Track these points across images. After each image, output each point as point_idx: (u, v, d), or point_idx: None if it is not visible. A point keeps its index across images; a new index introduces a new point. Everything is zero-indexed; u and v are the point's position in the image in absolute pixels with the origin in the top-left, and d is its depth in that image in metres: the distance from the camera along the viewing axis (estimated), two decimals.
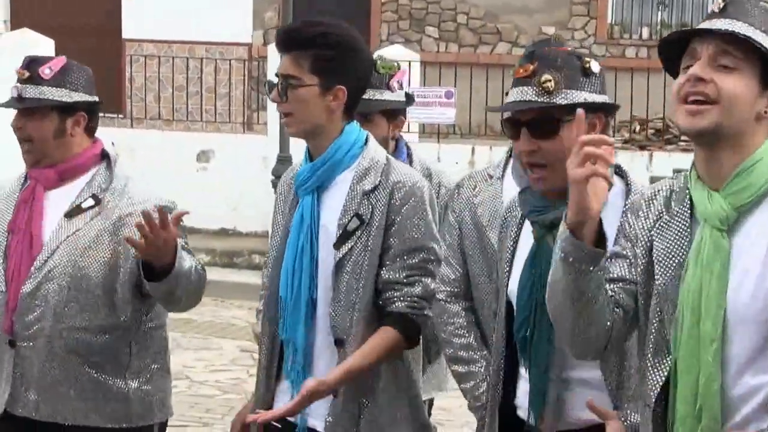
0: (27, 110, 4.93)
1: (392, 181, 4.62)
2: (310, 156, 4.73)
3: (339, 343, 4.60)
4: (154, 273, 4.71)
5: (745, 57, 3.28)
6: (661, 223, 3.46)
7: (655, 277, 3.46)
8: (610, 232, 3.40)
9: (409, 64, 17.57)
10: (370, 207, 4.61)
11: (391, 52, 17.27)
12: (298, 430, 4.62)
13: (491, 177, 5.10)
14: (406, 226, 4.59)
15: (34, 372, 4.91)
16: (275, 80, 4.70)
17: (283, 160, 16.68)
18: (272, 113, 17.98)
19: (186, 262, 4.81)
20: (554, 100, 3.84)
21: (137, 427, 5.06)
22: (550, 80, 3.83)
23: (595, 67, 3.98)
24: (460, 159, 17.67)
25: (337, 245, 4.59)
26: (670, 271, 3.40)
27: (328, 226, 4.62)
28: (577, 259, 3.14)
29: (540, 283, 3.88)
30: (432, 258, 4.73)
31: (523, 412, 4.12)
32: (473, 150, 18.25)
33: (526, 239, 4.10)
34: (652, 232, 3.45)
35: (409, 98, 6.50)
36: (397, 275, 4.62)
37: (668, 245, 3.42)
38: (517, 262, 4.10)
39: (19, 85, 4.95)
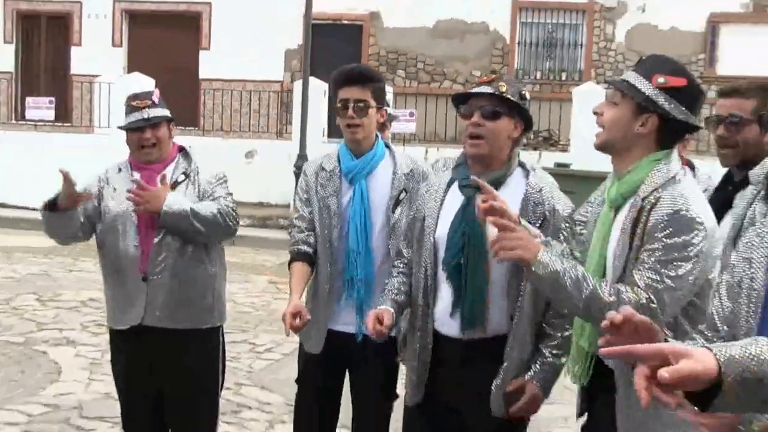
0: (154, 124, 4.93)
1: (415, 166, 4.73)
2: (353, 153, 4.69)
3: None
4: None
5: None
6: (591, 205, 3.73)
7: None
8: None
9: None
10: (409, 182, 4.64)
11: None
12: (358, 335, 4.56)
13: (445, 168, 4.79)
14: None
15: (159, 296, 4.93)
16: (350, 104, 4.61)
17: (302, 156, 17.01)
18: (296, 126, 18.56)
19: (181, 202, 4.84)
20: (507, 95, 3.84)
21: (214, 327, 5.16)
22: (504, 86, 3.85)
23: (527, 95, 3.97)
24: (418, 157, 15.35)
25: (394, 208, 4.62)
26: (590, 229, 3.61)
27: (382, 197, 4.67)
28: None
29: (469, 227, 3.86)
30: None
31: (442, 327, 3.98)
32: (426, 150, 18.72)
33: (451, 200, 4.00)
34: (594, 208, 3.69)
35: (392, 117, 7.26)
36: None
37: (593, 216, 3.63)
38: (443, 215, 3.98)
39: (145, 110, 4.90)
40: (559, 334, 3.89)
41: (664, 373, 1.96)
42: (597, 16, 24.03)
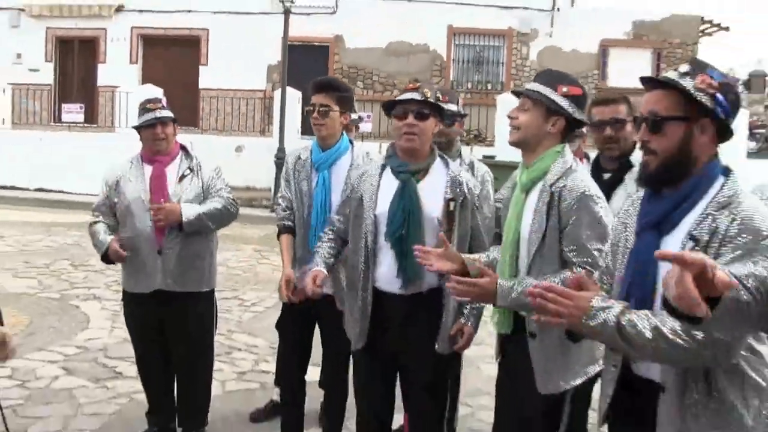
0: (163, 122, 4.90)
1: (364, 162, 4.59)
2: (321, 147, 4.65)
3: None
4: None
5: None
6: (504, 189, 3.76)
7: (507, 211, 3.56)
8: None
9: None
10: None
11: None
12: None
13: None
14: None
15: (171, 265, 4.90)
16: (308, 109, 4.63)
17: (281, 150, 17.09)
18: (276, 126, 18.28)
19: (194, 209, 4.85)
20: (430, 99, 3.80)
21: (210, 290, 5.14)
22: (428, 92, 3.81)
23: (439, 95, 3.92)
24: (373, 150, 14.41)
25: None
26: (507, 211, 3.55)
27: (338, 185, 4.54)
28: None
29: (408, 205, 3.80)
30: None
31: (385, 285, 3.91)
32: (380, 145, 16.62)
33: (386, 183, 3.92)
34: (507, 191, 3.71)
35: (356, 120, 6.55)
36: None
37: (508, 197, 3.59)
38: (381, 195, 3.90)
39: (157, 111, 4.90)
40: None
41: (720, 273, 1.98)
42: (515, 39, 24.13)
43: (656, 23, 23.97)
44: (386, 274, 3.91)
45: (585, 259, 3.24)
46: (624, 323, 2.36)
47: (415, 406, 4.06)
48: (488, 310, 3.72)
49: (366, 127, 18.90)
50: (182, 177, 4.97)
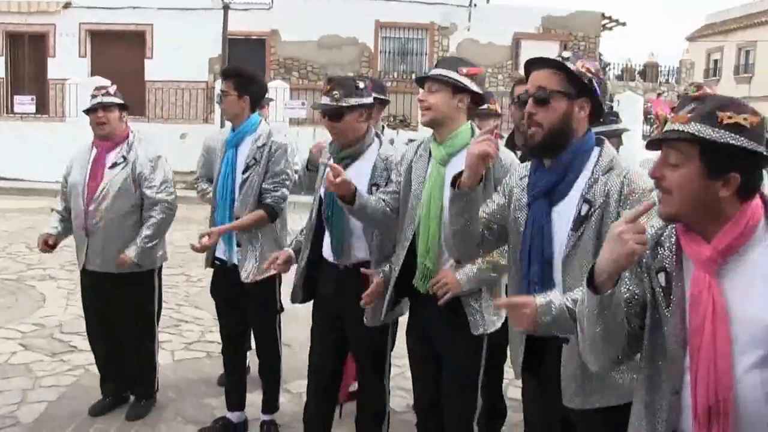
0: (106, 107, 4.81)
1: (271, 140, 4.55)
2: (233, 128, 4.65)
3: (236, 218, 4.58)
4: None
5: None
6: (414, 161, 3.55)
7: (412, 185, 3.52)
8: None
9: (284, 90, 19.14)
10: (260, 153, 4.52)
11: (275, 84, 18.95)
12: (227, 261, 4.66)
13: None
14: (276, 161, 4.53)
15: (98, 246, 4.84)
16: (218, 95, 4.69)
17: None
18: (217, 114, 18.21)
19: (133, 248, 4.81)
20: (340, 104, 3.77)
21: (150, 270, 5.00)
22: (337, 93, 3.77)
23: (361, 84, 3.88)
24: (308, 136, 16.94)
25: (244, 172, 4.54)
26: (418, 185, 3.48)
27: (241, 163, 4.56)
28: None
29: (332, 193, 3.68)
30: (286, 179, 4.58)
31: (327, 255, 4.00)
32: (315, 130, 17.99)
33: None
34: (411, 164, 3.55)
35: (267, 99, 6.96)
36: (268, 185, 4.55)
37: (418, 172, 3.51)
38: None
39: (100, 97, 4.80)
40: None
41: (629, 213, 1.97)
42: (436, 33, 24.27)
43: (563, 18, 24.44)
44: (327, 246, 4.02)
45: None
46: (569, 304, 2.37)
47: (360, 372, 4.17)
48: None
49: (300, 113, 19.06)
50: (114, 164, 4.87)
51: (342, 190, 3.42)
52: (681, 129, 1.89)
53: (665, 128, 1.95)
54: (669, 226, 2.08)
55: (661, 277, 2.05)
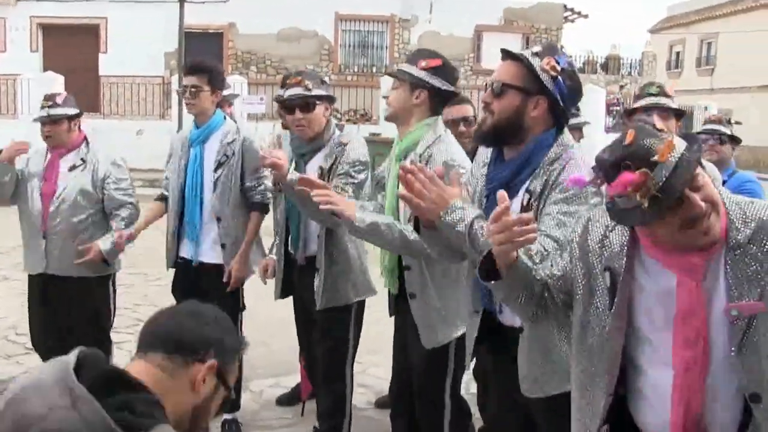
0: (53, 121, 4.75)
1: (243, 136, 4.56)
2: (197, 125, 4.63)
3: (218, 220, 4.56)
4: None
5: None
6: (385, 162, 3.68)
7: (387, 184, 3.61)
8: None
9: (242, 84, 18.66)
10: (231, 149, 4.52)
11: (233, 78, 17.13)
12: (193, 260, 4.67)
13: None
14: (251, 157, 4.50)
15: (56, 249, 4.78)
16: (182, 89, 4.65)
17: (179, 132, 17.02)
18: (174, 110, 18.16)
19: (107, 241, 4.72)
20: (313, 93, 3.90)
21: (107, 275, 4.93)
22: (309, 83, 3.91)
23: (326, 80, 4.09)
24: (266, 131, 14.61)
25: (216, 170, 4.53)
26: (385, 184, 3.60)
27: (210, 160, 4.55)
28: None
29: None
30: (263, 171, 4.53)
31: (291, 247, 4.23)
32: (274, 126, 15.42)
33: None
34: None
35: (228, 97, 6.88)
36: (251, 183, 4.58)
37: (388, 170, 3.60)
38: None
39: (47, 109, 4.73)
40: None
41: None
42: (397, 25, 24.44)
43: (524, 10, 24.74)
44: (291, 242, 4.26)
45: None
46: (476, 227, 2.44)
47: (321, 357, 4.27)
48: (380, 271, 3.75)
49: (259, 109, 18.85)
50: (73, 167, 4.81)
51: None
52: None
53: None
54: (619, 226, 2.08)
55: (606, 276, 2.09)
